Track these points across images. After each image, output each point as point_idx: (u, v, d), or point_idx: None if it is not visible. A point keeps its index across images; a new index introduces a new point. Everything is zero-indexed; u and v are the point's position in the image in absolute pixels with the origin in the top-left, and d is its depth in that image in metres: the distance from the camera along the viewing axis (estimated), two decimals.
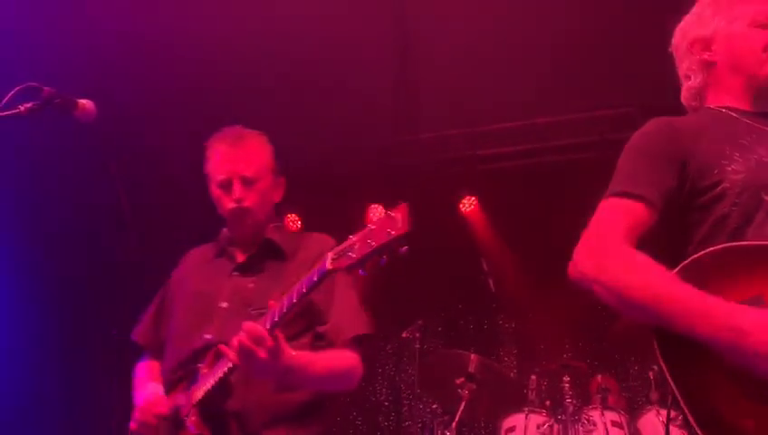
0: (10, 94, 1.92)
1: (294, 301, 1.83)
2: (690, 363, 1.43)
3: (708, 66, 1.84)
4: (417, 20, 4.92)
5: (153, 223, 5.44)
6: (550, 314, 5.68)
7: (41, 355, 5.25)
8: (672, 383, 1.42)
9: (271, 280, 2.20)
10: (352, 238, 1.70)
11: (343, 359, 2.14)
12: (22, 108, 1.93)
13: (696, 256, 1.52)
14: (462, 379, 4.32)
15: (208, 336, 2.13)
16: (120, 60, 4.69)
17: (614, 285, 1.51)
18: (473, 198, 6.34)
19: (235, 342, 1.86)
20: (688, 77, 1.89)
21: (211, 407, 2.01)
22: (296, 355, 1.94)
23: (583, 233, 1.62)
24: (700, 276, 1.46)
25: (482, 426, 5.40)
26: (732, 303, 1.40)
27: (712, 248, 1.53)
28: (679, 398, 1.41)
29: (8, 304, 5.19)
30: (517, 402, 4.38)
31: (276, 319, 1.84)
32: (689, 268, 1.50)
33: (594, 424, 3.89)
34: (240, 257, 2.34)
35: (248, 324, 1.84)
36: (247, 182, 2.29)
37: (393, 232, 1.60)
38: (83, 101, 2.07)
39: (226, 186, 2.29)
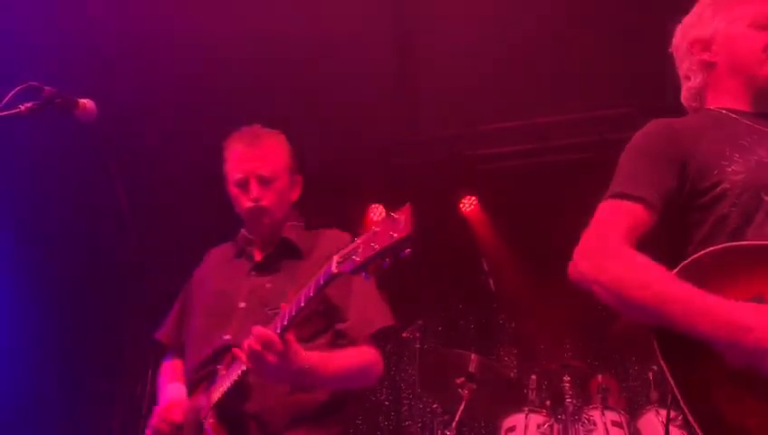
0: (11, 94, 1.92)
1: (302, 304, 1.83)
2: (690, 363, 1.43)
3: (708, 67, 1.84)
4: (418, 20, 4.92)
5: (153, 223, 5.44)
6: (550, 313, 5.68)
7: (41, 355, 5.25)
8: (672, 383, 1.43)
9: (287, 279, 2.20)
10: (357, 241, 1.70)
11: (360, 356, 2.14)
12: (22, 107, 1.93)
13: (695, 255, 1.52)
14: (462, 379, 4.32)
15: (227, 337, 2.14)
16: (120, 60, 4.69)
17: (614, 285, 1.51)
18: (473, 198, 6.34)
19: (245, 346, 1.86)
20: (688, 77, 1.89)
21: (229, 409, 2.02)
22: (308, 356, 1.93)
23: (583, 234, 1.62)
24: (700, 276, 1.46)
25: (482, 426, 5.40)
26: (732, 300, 1.40)
27: (712, 248, 1.53)
28: (679, 398, 1.41)
29: (8, 303, 5.19)
30: (517, 402, 4.37)
31: (286, 322, 1.84)
32: (689, 268, 1.51)
33: (594, 424, 3.89)
34: (258, 257, 2.35)
35: (257, 329, 1.84)
36: (264, 181, 2.29)
37: (395, 235, 1.60)
38: (84, 101, 2.07)
39: (244, 185, 2.30)
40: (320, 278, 1.80)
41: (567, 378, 4.28)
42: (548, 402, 4.43)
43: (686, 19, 1.93)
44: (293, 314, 1.84)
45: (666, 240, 1.70)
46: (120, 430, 5.28)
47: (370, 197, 6.21)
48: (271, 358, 1.82)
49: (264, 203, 2.29)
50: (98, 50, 4.60)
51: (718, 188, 1.61)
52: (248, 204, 2.29)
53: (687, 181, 1.66)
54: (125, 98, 4.45)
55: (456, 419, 4.19)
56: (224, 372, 2.05)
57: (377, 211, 6.22)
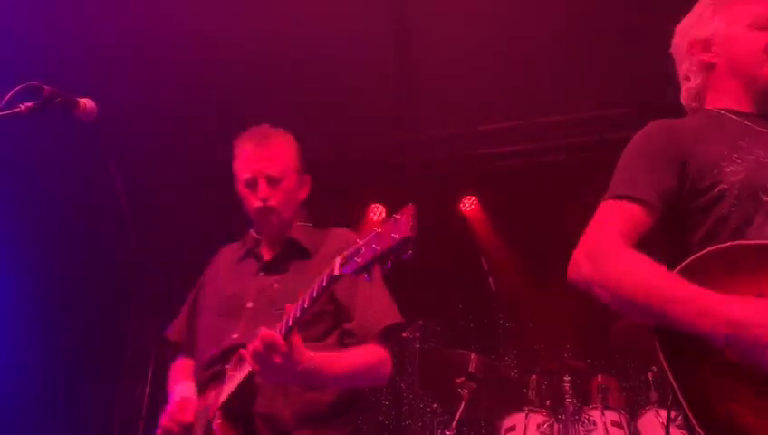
0: (11, 93, 1.92)
1: (306, 306, 1.84)
2: (692, 361, 1.43)
3: (708, 67, 1.84)
4: (417, 20, 4.92)
5: (153, 223, 5.44)
6: (550, 313, 5.68)
7: (41, 355, 5.25)
8: (673, 381, 1.43)
9: (295, 279, 2.21)
10: (359, 242, 1.71)
11: (368, 355, 2.14)
12: (22, 107, 1.93)
13: (696, 255, 1.52)
14: (462, 378, 4.32)
15: (235, 336, 2.15)
16: (120, 60, 4.69)
17: (614, 285, 1.52)
18: (473, 198, 6.34)
19: (250, 347, 1.87)
20: (688, 78, 1.89)
21: (238, 409, 2.02)
22: (314, 357, 1.93)
23: (582, 235, 1.62)
24: (701, 275, 1.47)
25: (482, 425, 5.40)
26: (732, 295, 1.40)
27: (712, 248, 1.53)
28: (680, 396, 1.41)
29: (8, 304, 5.18)
30: (517, 402, 4.38)
31: (290, 323, 1.85)
32: (690, 268, 1.51)
33: (594, 424, 3.89)
34: (266, 257, 2.37)
35: (262, 331, 1.85)
36: (272, 181, 2.31)
37: (397, 236, 1.60)
38: (84, 100, 2.07)
39: (252, 185, 2.31)
40: (322, 280, 1.81)
41: (567, 378, 4.28)
42: (548, 402, 4.43)
43: (686, 20, 1.93)
44: (298, 315, 1.84)
45: (665, 241, 1.70)
46: (120, 430, 5.28)
47: (370, 196, 6.22)
48: (275, 359, 1.83)
49: (272, 203, 2.30)
50: (98, 50, 4.60)
51: (717, 189, 1.61)
52: (257, 203, 2.31)
53: (686, 182, 1.66)
54: (125, 98, 4.45)
55: (456, 418, 4.20)
56: (232, 373, 2.05)
57: (377, 211, 6.22)
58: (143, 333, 5.49)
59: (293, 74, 4.96)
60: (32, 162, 4.98)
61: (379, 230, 1.66)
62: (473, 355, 4.38)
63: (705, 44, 1.84)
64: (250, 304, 2.22)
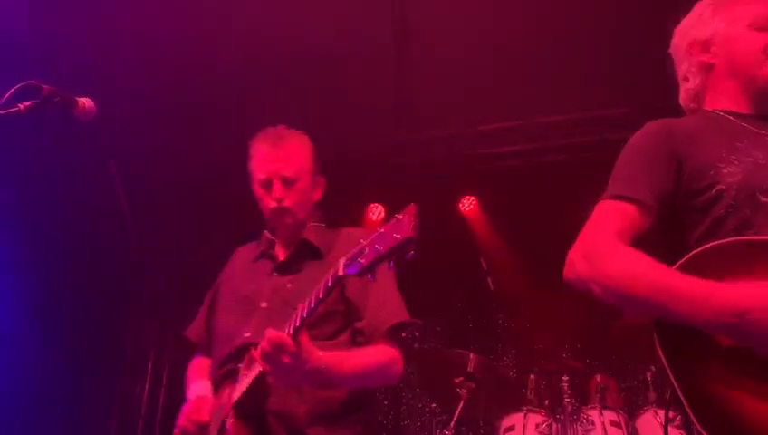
0: (9, 92, 1.92)
1: (312, 306, 1.85)
2: (691, 355, 1.43)
3: (707, 68, 1.84)
4: (417, 19, 4.92)
5: (153, 223, 5.45)
6: (549, 313, 5.68)
7: (40, 355, 5.25)
8: (672, 376, 1.43)
9: (307, 279, 2.21)
10: (362, 242, 1.72)
11: (378, 354, 2.16)
12: (21, 106, 1.93)
13: (695, 251, 1.53)
14: (461, 378, 4.32)
15: (247, 335, 2.17)
16: (119, 59, 4.69)
17: (611, 282, 1.52)
18: (472, 198, 6.34)
19: (259, 348, 1.89)
20: (687, 79, 1.89)
21: (250, 407, 2.03)
22: (323, 356, 1.94)
23: (579, 235, 1.63)
24: (699, 272, 1.47)
25: (480, 425, 5.40)
26: (725, 283, 1.40)
27: (711, 244, 1.53)
28: (679, 391, 1.41)
29: (8, 303, 5.18)
30: (516, 402, 4.38)
31: (298, 324, 1.86)
32: (688, 264, 1.51)
33: (593, 423, 3.89)
34: (281, 257, 2.39)
35: (270, 332, 1.86)
36: (287, 182, 2.34)
37: (399, 236, 1.61)
38: (83, 99, 2.07)
39: (267, 185, 2.35)
40: (327, 281, 1.82)
41: (566, 378, 4.28)
42: (546, 402, 4.43)
43: (686, 20, 1.93)
44: (305, 315, 1.86)
45: (662, 241, 1.70)
46: (120, 431, 5.28)
47: (370, 196, 6.21)
48: (284, 359, 1.84)
49: (286, 203, 2.33)
50: (98, 50, 4.60)
51: (714, 190, 1.62)
52: (272, 204, 2.34)
53: (683, 182, 1.66)
54: (125, 98, 4.45)
55: (455, 418, 4.20)
56: (245, 372, 2.07)
57: (375, 211, 6.22)
58: (143, 333, 5.50)
59: (293, 74, 4.96)
60: (31, 162, 4.98)
61: (382, 230, 1.67)
62: (471, 355, 4.38)
63: (705, 45, 1.84)
64: (264, 304, 2.25)
